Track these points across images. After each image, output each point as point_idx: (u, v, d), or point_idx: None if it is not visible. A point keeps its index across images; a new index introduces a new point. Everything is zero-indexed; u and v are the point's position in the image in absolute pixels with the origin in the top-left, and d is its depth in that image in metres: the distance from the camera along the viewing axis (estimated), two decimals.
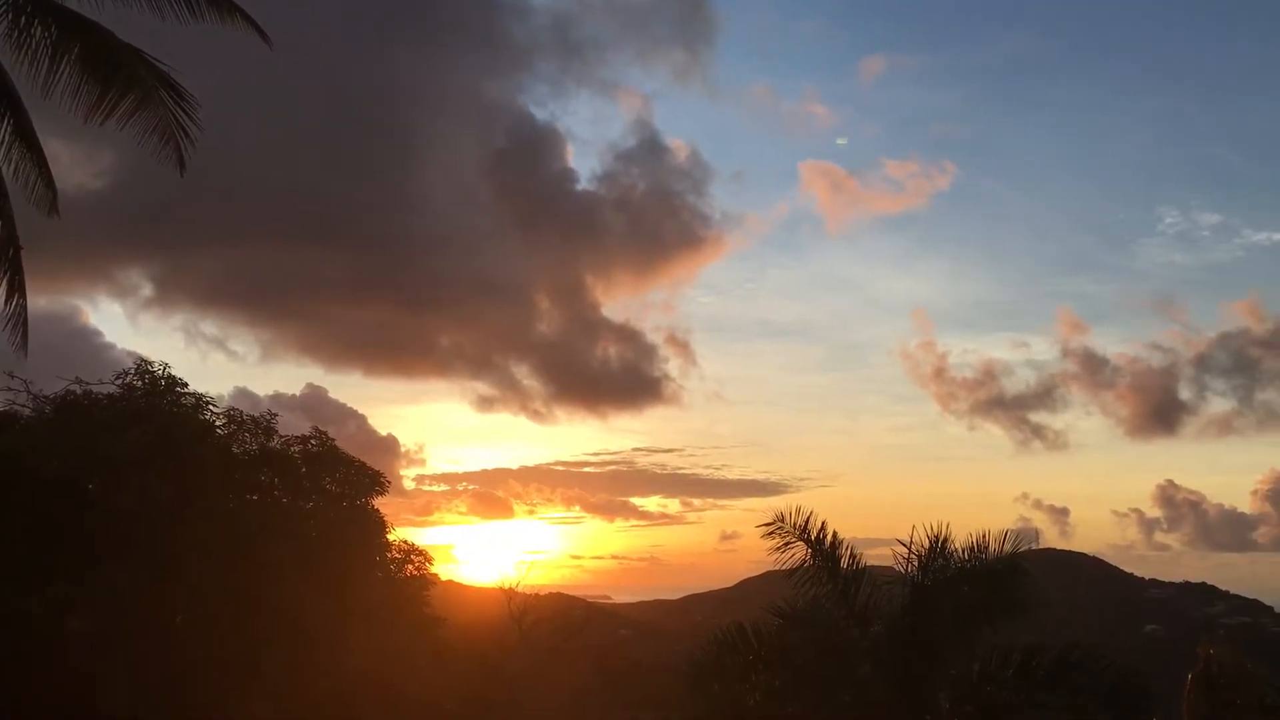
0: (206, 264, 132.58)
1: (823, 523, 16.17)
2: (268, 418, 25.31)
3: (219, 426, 24.95)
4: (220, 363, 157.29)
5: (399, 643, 24.41)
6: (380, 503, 26.58)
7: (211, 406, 25.14)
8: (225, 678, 21.34)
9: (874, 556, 16.66)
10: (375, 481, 26.39)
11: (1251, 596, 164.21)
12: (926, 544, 15.63)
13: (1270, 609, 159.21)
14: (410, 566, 26.54)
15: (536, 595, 39.12)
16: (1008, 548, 15.71)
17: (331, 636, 22.40)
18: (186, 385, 24.71)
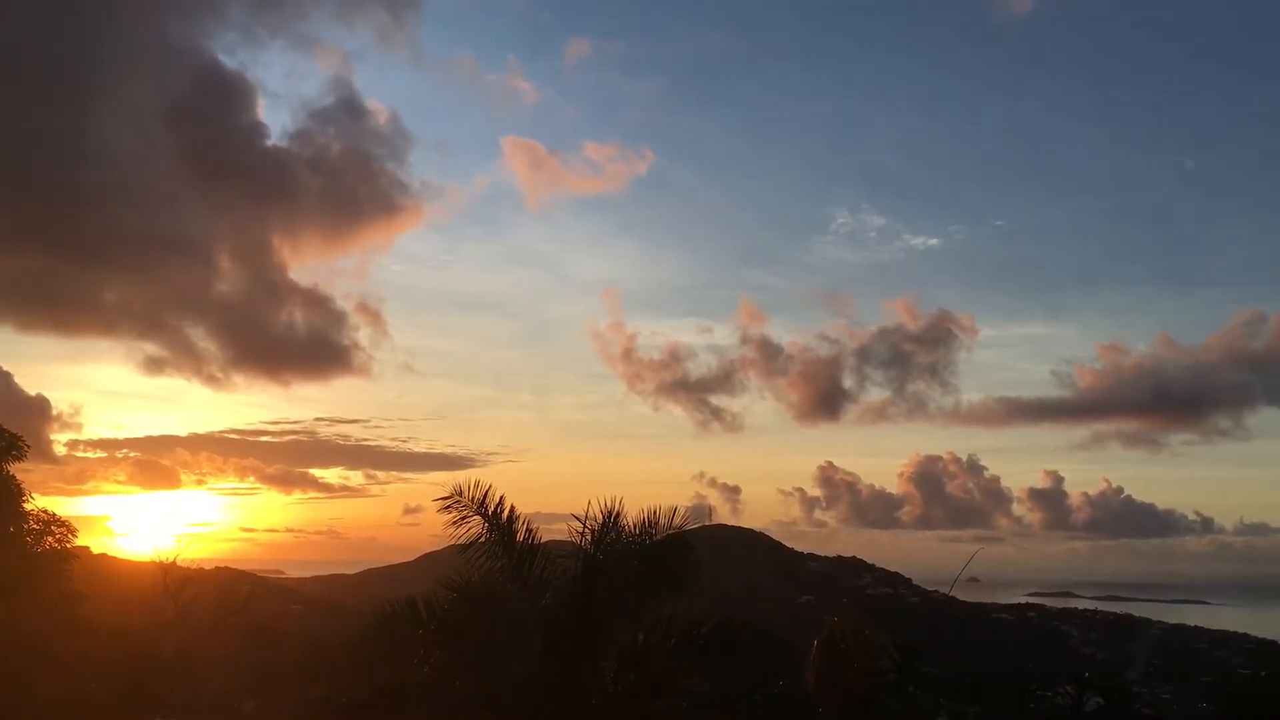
0: None
1: (501, 497, 16.16)
2: None
3: None
4: None
5: (32, 624, 22.24)
6: (18, 469, 24.14)
7: None
8: None
9: (557, 531, 16.79)
10: (11, 444, 23.90)
11: (894, 569, 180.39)
12: (601, 519, 15.90)
13: (909, 580, 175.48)
14: (50, 539, 24.23)
15: (199, 569, 37.15)
16: (676, 523, 16.20)
17: None
18: None
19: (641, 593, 16.02)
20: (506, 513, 16.06)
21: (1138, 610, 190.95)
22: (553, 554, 16.33)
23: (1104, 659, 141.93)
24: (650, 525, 16.08)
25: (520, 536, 16.11)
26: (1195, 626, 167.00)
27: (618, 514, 15.90)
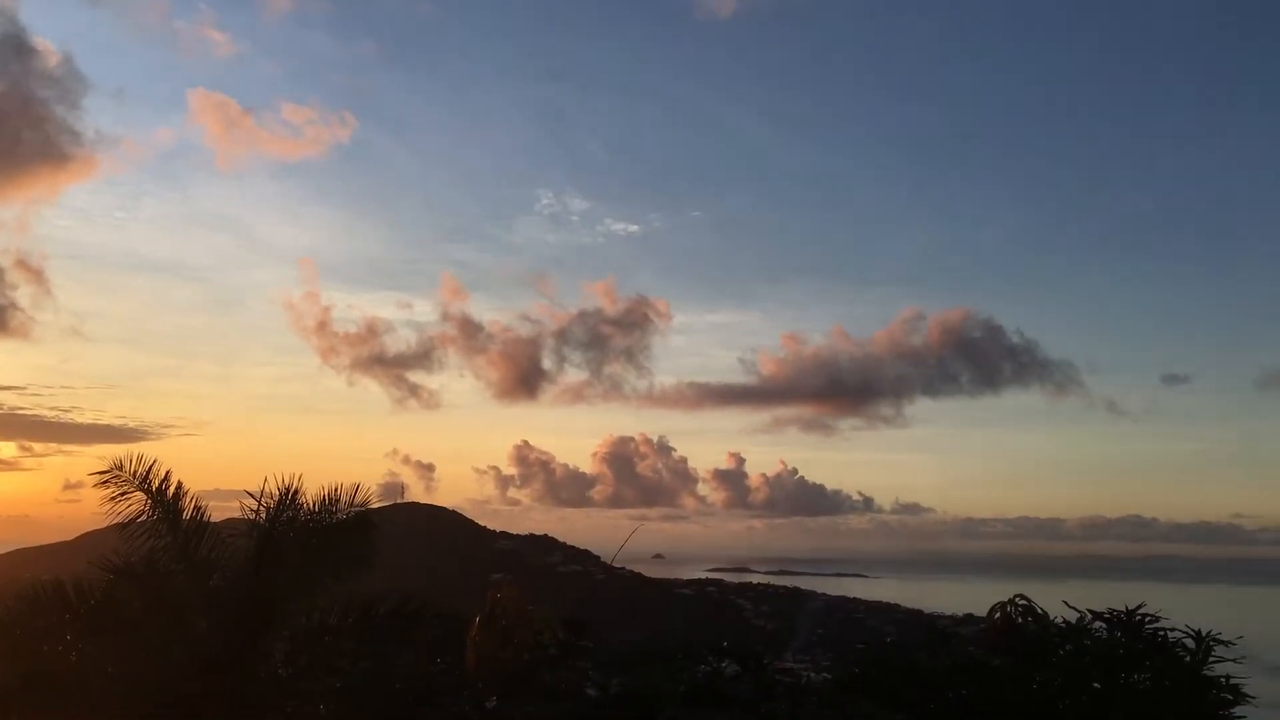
0: None
1: (167, 472, 15.31)
2: None
3: None
4: None
5: None
6: None
7: None
8: None
9: (236, 509, 16.04)
10: None
11: (584, 547, 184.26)
12: (278, 496, 15.36)
13: (598, 558, 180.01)
14: None
15: None
16: (360, 500, 15.93)
17: None
18: None
19: (320, 572, 15.62)
20: (173, 488, 15.23)
21: (805, 584, 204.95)
22: (225, 533, 15.65)
23: (774, 629, 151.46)
24: (332, 502, 15.72)
25: (188, 514, 15.34)
26: (854, 598, 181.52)
27: (296, 490, 15.43)
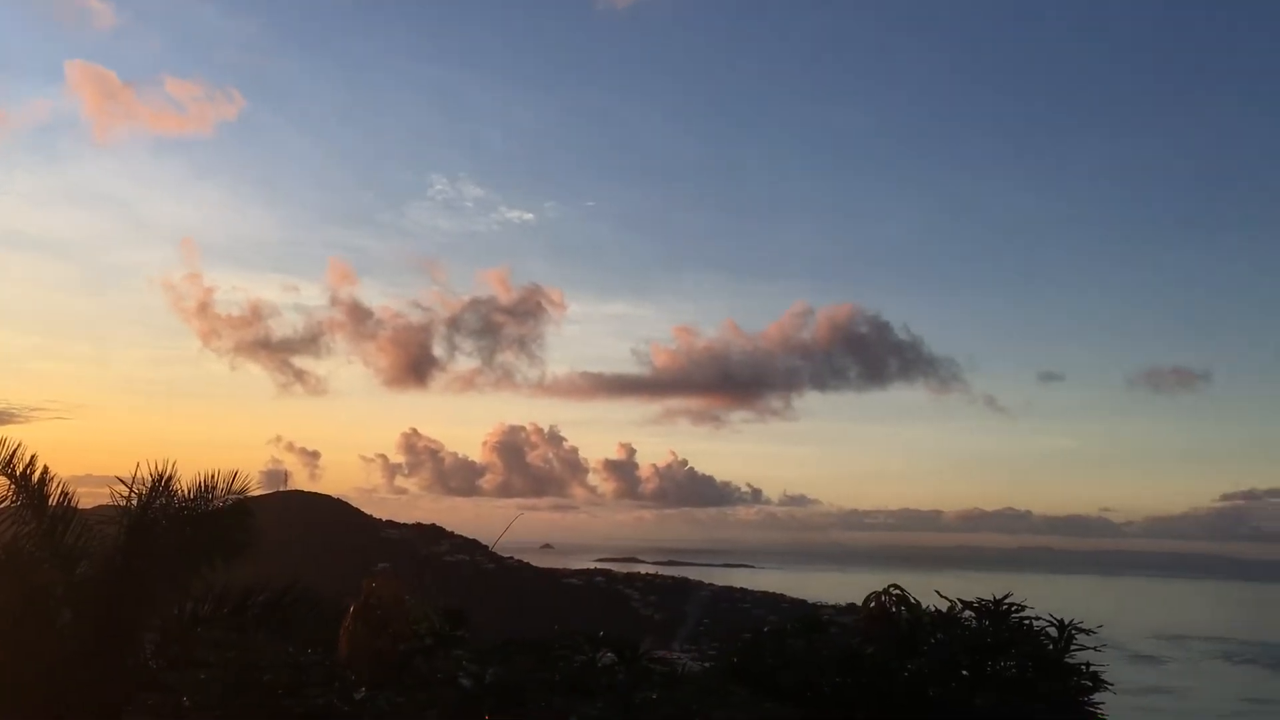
0: None
1: (32, 456, 14.75)
2: None
3: None
4: None
5: None
6: None
7: None
8: None
9: (108, 496, 15.55)
10: None
11: (472, 536, 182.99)
12: (151, 482, 14.95)
13: (486, 548, 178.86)
14: None
15: None
16: (238, 487, 15.62)
17: None
18: None
19: (193, 561, 15.25)
20: (38, 473, 14.70)
21: (693, 574, 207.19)
22: (95, 520, 15.19)
23: (661, 619, 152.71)
24: (208, 489, 15.36)
25: (54, 500, 14.83)
26: (741, 588, 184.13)
27: (170, 477, 15.01)
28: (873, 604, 14.92)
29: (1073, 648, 14.50)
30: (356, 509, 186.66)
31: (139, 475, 14.94)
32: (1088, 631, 14.73)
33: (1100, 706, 14.45)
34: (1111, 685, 14.63)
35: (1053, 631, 14.61)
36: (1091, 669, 14.35)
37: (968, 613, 14.83)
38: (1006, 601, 14.75)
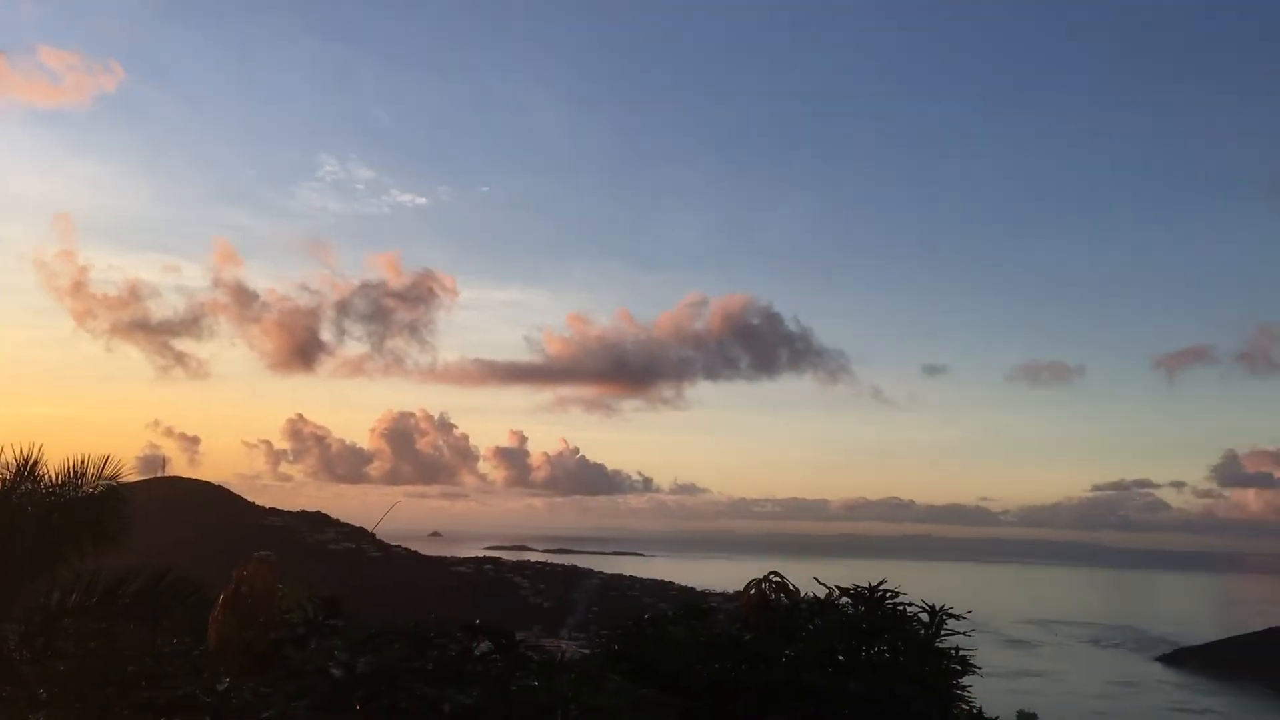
0: None
1: None
2: None
3: None
4: None
5: None
6: None
7: None
8: None
9: None
10: None
11: (359, 524, 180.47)
12: (14, 468, 14.46)
13: (373, 535, 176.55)
14: None
15: None
16: (109, 473, 15.23)
17: None
18: None
19: (61, 548, 14.79)
20: None
21: (584, 562, 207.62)
22: None
23: (550, 607, 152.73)
24: (78, 475, 14.99)
25: None
26: (631, 576, 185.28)
27: (36, 461, 14.59)
28: (753, 591, 15.15)
29: (944, 632, 14.95)
30: (238, 495, 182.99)
31: (3, 459, 14.48)
32: (959, 617, 15.20)
33: (969, 689, 14.94)
34: (980, 669, 15.14)
35: (925, 617, 15.03)
36: (961, 653, 14.81)
37: (844, 599, 15.17)
38: (881, 588, 15.13)
